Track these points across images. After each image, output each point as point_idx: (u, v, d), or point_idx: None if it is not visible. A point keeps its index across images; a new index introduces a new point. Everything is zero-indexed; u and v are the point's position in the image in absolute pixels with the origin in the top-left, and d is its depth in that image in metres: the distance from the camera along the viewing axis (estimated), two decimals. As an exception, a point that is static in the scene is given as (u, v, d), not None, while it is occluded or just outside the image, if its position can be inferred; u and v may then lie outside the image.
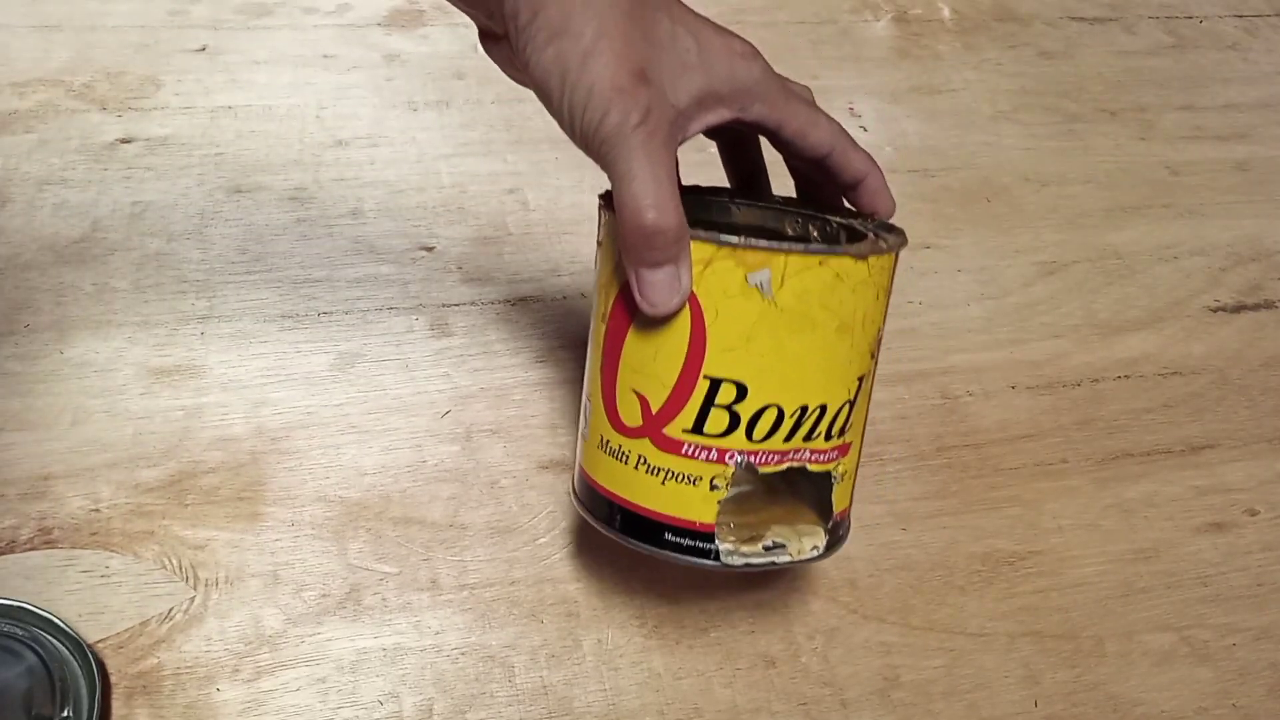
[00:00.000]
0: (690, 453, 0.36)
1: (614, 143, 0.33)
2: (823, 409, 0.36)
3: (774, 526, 0.38)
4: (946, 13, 0.83)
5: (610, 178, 0.34)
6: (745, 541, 0.37)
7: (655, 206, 0.32)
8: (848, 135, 0.39)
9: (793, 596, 0.46)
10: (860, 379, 0.37)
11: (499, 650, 0.43)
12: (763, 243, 0.33)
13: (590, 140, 0.33)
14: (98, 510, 0.45)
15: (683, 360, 0.35)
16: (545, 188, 0.62)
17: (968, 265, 0.63)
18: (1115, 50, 0.83)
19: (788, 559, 0.38)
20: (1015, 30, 0.83)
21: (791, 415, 0.35)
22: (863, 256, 0.34)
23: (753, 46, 0.37)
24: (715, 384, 0.35)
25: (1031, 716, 0.43)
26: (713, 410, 0.35)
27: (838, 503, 0.39)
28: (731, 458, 0.36)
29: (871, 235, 0.37)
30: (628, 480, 0.37)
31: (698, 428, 0.35)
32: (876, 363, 0.38)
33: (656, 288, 0.34)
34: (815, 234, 0.40)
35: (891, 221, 0.41)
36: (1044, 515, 0.51)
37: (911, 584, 0.47)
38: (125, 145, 0.62)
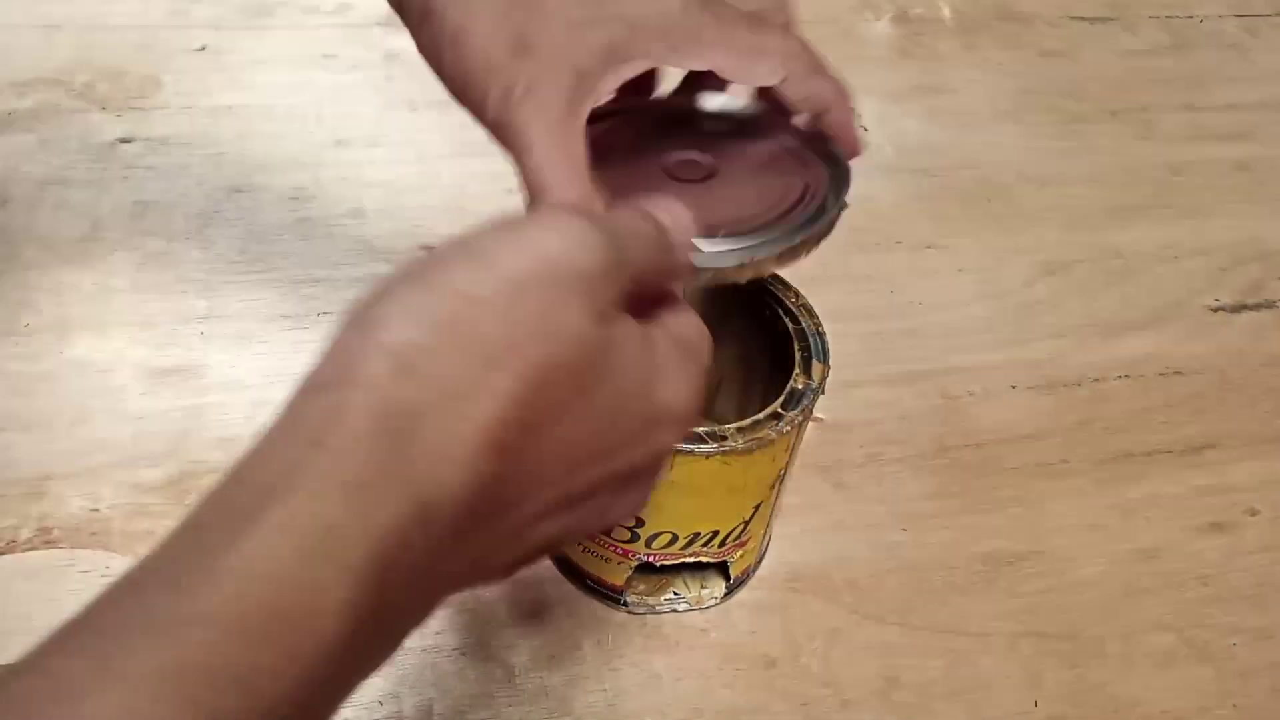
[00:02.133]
0: (601, 544, 0.42)
1: (502, 123, 0.29)
2: (715, 532, 0.41)
3: (678, 579, 0.45)
4: (947, 12, 0.83)
5: (513, 161, 0.30)
6: (651, 593, 0.45)
7: (559, 184, 0.29)
8: (807, 59, 0.33)
9: (793, 598, 0.46)
10: (757, 506, 0.41)
11: (499, 651, 0.43)
12: None
13: (486, 126, 0.30)
14: (98, 510, 0.45)
15: None
16: (546, 188, 0.62)
17: (969, 265, 0.63)
18: (1116, 50, 0.83)
19: (686, 606, 0.45)
20: (1016, 30, 0.83)
21: (685, 537, 0.41)
22: (750, 452, 0.36)
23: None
24: None
25: (1032, 717, 0.43)
26: (617, 527, 0.40)
27: (735, 569, 0.44)
28: (633, 555, 0.42)
29: (770, 419, 0.37)
30: None
31: (606, 532, 0.41)
32: (784, 481, 0.42)
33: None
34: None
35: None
36: (1045, 515, 0.50)
37: (912, 584, 0.47)
38: (126, 145, 0.62)
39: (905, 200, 0.67)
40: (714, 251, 0.31)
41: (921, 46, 0.79)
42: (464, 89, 0.30)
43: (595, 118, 0.31)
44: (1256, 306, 0.63)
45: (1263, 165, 0.73)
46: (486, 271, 0.22)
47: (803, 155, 0.35)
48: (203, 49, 0.70)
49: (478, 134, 0.73)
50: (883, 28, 0.81)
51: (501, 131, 0.30)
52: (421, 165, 0.64)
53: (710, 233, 0.31)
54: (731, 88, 0.35)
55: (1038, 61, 0.80)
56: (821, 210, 0.33)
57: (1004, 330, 0.59)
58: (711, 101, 0.37)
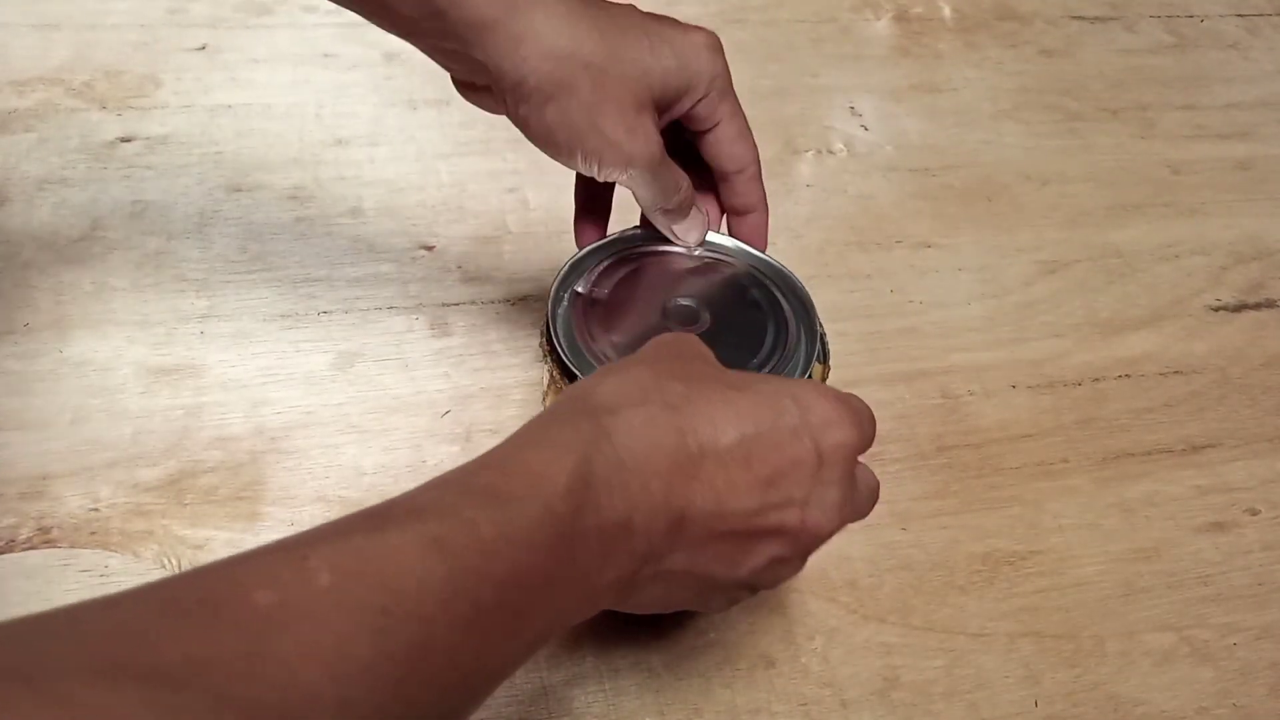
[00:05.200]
0: None
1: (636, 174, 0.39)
2: None
3: None
4: (947, 11, 0.83)
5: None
6: None
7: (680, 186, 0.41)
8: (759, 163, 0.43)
9: (792, 597, 0.46)
10: None
11: (499, 650, 0.43)
12: None
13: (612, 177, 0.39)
14: (97, 509, 0.45)
15: None
16: (545, 186, 0.62)
17: (968, 264, 0.63)
18: (1116, 49, 0.83)
19: None
20: (1016, 29, 0.83)
21: None
22: None
23: (717, 37, 0.40)
24: None
25: (1032, 716, 0.43)
26: None
27: None
28: None
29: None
30: None
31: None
32: None
33: (691, 230, 0.42)
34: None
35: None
36: (1045, 515, 0.50)
37: (912, 584, 0.47)
38: (125, 144, 0.62)
39: (905, 199, 0.66)
40: None
41: (921, 45, 0.79)
42: (599, 155, 0.38)
43: (611, 263, 0.41)
44: (1257, 305, 0.63)
45: (1263, 164, 0.73)
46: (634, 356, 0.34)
47: (764, 286, 0.42)
48: (202, 48, 0.70)
49: (477, 132, 0.73)
50: (883, 27, 0.81)
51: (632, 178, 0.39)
52: (421, 164, 0.64)
53: None
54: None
55: (1038, 60, 0.80)
56: (796, 351, 0.39)
57: (1004, 329, 0.59)
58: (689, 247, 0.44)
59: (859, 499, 0.34)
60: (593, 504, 0.27)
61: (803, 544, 0.32)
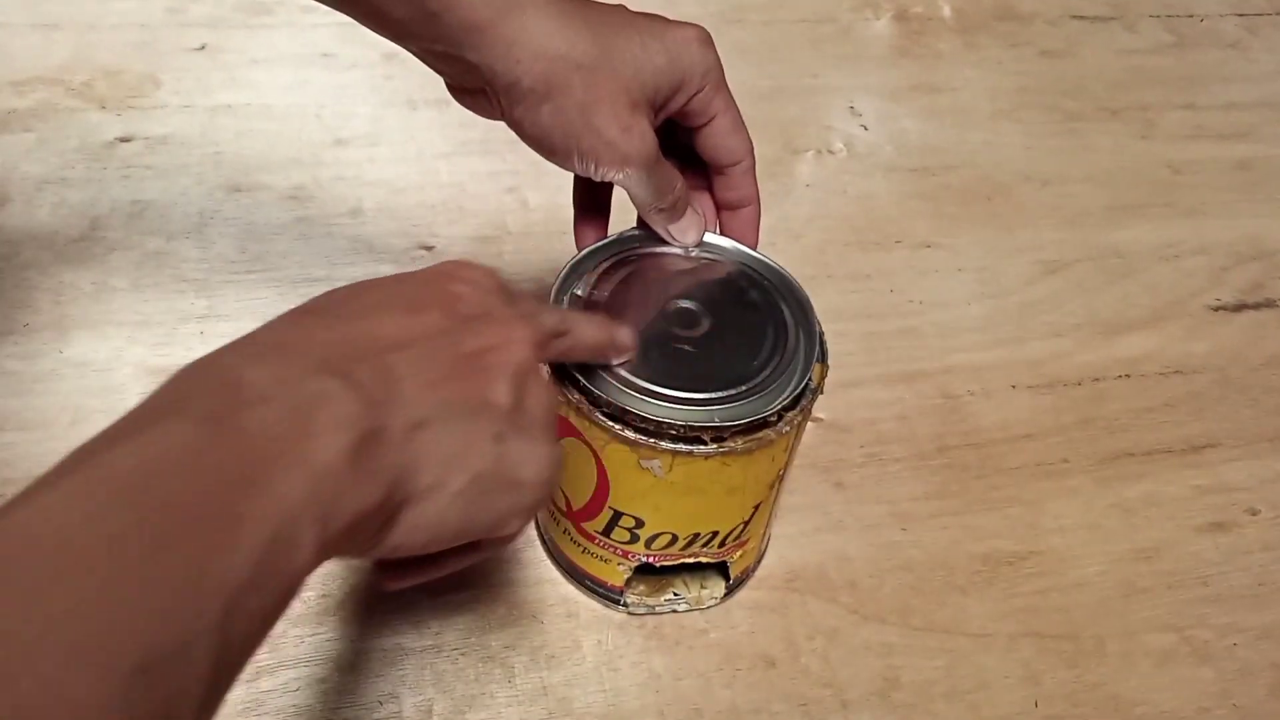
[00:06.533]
0: (601, 545, 0.42)
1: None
2: (715, 533, 0.41)
3: (678, 580, 0.45)
4: (947, 11, 0.83)
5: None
6: (651, 593, 0.45)
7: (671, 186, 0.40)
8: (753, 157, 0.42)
9: (792, 597, 0.46)
10: (756, 506, 0.41)
11: (499, 651, 0.43)
12: (650, 441, 0.36)
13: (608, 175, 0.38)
14: (97, 510, 0.45)
15: (592, 492, 0.40)
16: (544, 186, 0.62)
17: (968, 264, 0.63)
18: (1116, 49, 0.83)
19: (686, 607, 0.45)
20: (1016, 29, 0.83)
21: (685, 538, 0.41)
22: (750, 452, 0.37)
23: (707, 31, 0.39)
24: (618, 514, 0.40)
25: (1032, 717, 0.43)
26: (617, 528, 0.41)
27: (734, 569, 0.44)
28: (633, 556, 0.42)
29: (775, 418, 0.37)
30: (559, 536, 0.44)
31: (606, 533, 0.41)
32: (783, 481, 0.42)
33: (687, 230, 0.41)
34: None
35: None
36: (1045, 515, 0.50)
37: (912, 584, 0.47)
38: (124, 144, 0.62)
39: (905, 199, 0.67)
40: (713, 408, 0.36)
41: (921, 45, 0.79)
42: (595, 155, 0.38)
43: (612, 266, 0.41)
44: (1256, 305, 0.63)
45: (1262, 164, 0.73)
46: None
47: (762, 287, 0.41)
48: (201, 48, 0.70)
49: (477, 133, 0.73)
50: (882, 26, 0.81)
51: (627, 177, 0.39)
52: (420, 164, 0.64)
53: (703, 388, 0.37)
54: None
55: (1038, 60, 0.80)
56: (795, 351, 0.38)
57: (1004, 329, 0.59)
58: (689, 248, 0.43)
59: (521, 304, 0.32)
60: (237, 385, 0.25)
61: (487, 308, 0.30)
